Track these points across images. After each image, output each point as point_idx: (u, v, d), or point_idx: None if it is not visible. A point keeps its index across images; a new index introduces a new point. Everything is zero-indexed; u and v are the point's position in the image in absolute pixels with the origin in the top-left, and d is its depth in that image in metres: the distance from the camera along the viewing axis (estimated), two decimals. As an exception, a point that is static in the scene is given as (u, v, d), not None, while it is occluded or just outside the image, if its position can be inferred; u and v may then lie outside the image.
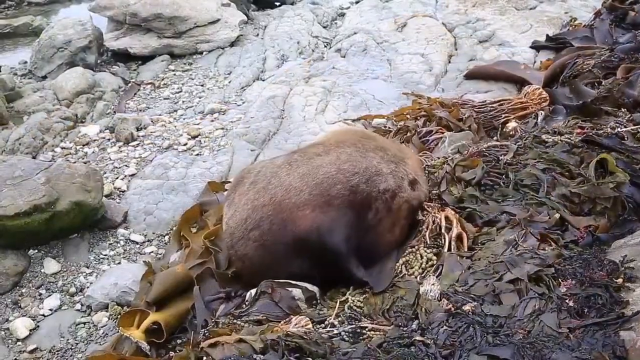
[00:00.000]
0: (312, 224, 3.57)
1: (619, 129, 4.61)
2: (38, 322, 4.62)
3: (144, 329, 3.78)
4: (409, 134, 5.68)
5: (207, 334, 3.39)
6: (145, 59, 9.35)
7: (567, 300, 2.88)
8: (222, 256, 4.37)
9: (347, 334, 3.18)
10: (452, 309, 3.05)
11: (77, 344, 4.43)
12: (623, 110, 5.09)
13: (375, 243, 3.75)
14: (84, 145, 6.95)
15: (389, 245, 3.83)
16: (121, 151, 6.76)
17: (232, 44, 9.50)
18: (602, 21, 7.80)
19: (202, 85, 8.34)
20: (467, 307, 3.02)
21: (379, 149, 3.92)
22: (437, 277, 3.47)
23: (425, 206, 4.14)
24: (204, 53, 9.36)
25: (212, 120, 7.26)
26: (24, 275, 5.00)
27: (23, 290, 4.89)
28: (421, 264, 3.65)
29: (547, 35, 8.24)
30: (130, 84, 8.51)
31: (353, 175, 3.67)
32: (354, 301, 3.49)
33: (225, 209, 4.11)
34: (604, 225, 3.77)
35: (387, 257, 3.79)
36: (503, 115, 5.85)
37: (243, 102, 7.68)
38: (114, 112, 7.77)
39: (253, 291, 3.70)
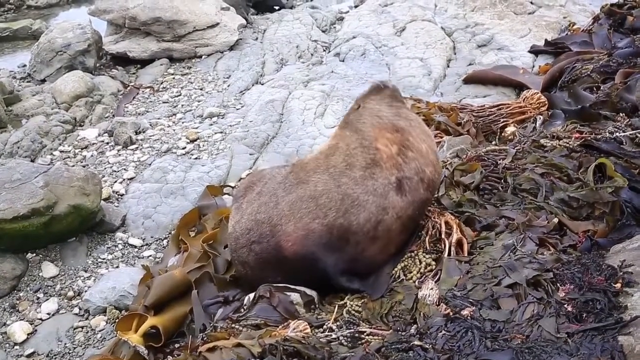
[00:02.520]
0: (297, 255, 3.61)
1: (617, 134, 4.62)
2: (36, 326, 4.61)
3: (142, 333, 3.78)
4: (407, 138, 5.67)
5: (205, 338, 3.39)
6: (144, 62, 9.35)
7: (565, 305, 2.88)
8: (220, 260, 4.38)
9: (345, 338, 3.17)
10: (451, 313, 3.05)
11: (74, 348, 4.42)
12: (621, 114, 5.10)
13: (368, 265, 3.69)
14: (82, 149, 6.95)
15: (383, 262, 3.71)
16: (120, 155, 6.76)
17: (231, 48, 9.50)
18: (600, 26, 7.83)
19: (201, 89, 8.34)
20: (465, 312, 3.02)
21: (347, 167, 3.61)
22: (435, 281, 3.46)
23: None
24: (203, 57, 9.36)
25: (211, 124, 7.27)
26: (21, 279, 4.99)
27: (21, 294, 4.89)
28: (419, 268, 3.65)
29: (546, 40, 8.26)
30: (129, 88, 8.51)
31: (329, 211, 3.55)
32: (352, 306, 3.49)
33: (233, 212, 4.14)
34: (602, 230, 3.78)
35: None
36: (502, 120, 5.86)
37: (242, 106, 7.68)
38: (113, 115, 7.77)
39: (251, 295, 3.70)
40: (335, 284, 3.66)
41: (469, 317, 2.97)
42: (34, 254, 5.19)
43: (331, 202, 3.56)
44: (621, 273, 2.98)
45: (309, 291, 3.66)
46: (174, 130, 7.23)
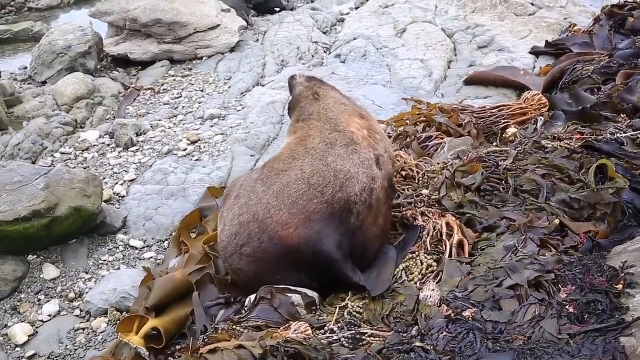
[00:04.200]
0: (300, 239, 3.55)
1: (618, 135, 4.62)
2: (37, 327, 4.61)
3: (143, 334, 3.77)
4: (408, 140, 5.68)
5: (206, 340, 3.38)
6: (144, 64, 9.35)
7: (567, 306, 2.88)
8: (221, 262, 4.37)
9: (346, 339, 3.17)
10: (452, 314, 3.04)
11: (75, 349, 4.41)
12: (622, 115, 5.10)
13: (364, 241, 3.73)
14: (83, 151, 6.95)
15: (377, 237, 3.83)
16: (120, 156, 6.76)
17: (231, 50, 9.51)
18: (601, 27, 7.83)
19: (201, 91, 8.35)
20: (466, 313, 3.02)
21: (328, 145, 3.75)
22: (436, 282, 3.46)
23: (426, 211, 4.14)
24: (204, 58, 9.37)
25: (212, 126, 7.27)
26: (22, 281, 4.99)
27: (22, 296, 4.89)
28: (421, 269, 3.65)
29: (546, 41, 8.26)
30: (129, 89, 8.51)
31: (325, 187, 3.59)
32: (353, 307, 3.49)
33: (218, 222, 4.14)
34: (603, 231, 3.77)
35: (385, 263, 3.78)
36: (502, 121, 5.85)
37: (242, 108, 7.69)
38: (114, 117, 7.77)
39: (252, 297, 3.69)
40: (338, 270, 3.60)
41: (470, 319, 2.97)
42: (35, 256, 5.19)
43: (325, 180, 3.62)
44: (622, 274, 2.98)
45: (310, 292, 3.65)
46: (174, 131, 7.23)
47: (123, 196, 6.04)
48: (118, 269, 5.14)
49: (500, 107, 6.08)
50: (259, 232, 3.65)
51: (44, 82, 8.69)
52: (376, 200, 3.74)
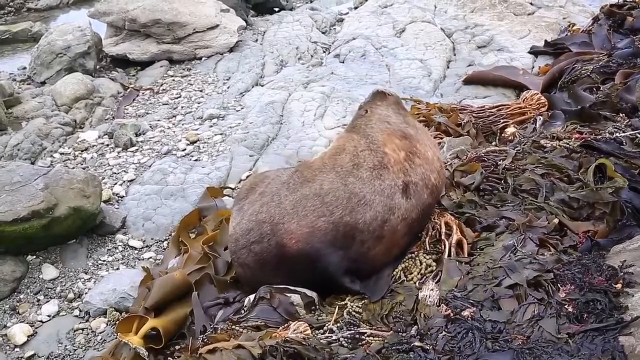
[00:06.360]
0: (299, 252, 3.59)
1: (617, 134, 4.62)
2: (36, 328, 4.61)
3: (143, 334, 3.78)
4: (407, 139, 5.67)
5: (205, 340, 3.38)
6: (144, 64, 9.35)
7: (566, 306, 2.88)
8: (220, 262, 4.38)
9: (345, 339, 3.18)
10: (451, 314, 3.05)
11: (75, 350, 4.41)
12: (621, 115, 5.11)
13: (369, 267, 3.69)
14: (82, 151, 6.95)
15: (385, 265, 3.73)
16: (120, 157, 6.76)
17: (231, 50, 9.51)
18: (600, 26, 7.83)
19: (201, 91, 8.35)
20: (466, 313, 3.02)
21: (355, 166, 3.67)
22: (436, 282, 3.46)
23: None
24: (203, 59, 9.37)
25: (211, 126, 7.27)
26: (22, 281, 4.99)
27: (21, 296, 4.88)
28: (420, 269, 3.65)
29: (546, 41, 8.26)
30: (129, 90, 8.51)
31: (336, 208, 3.57)
32: (352, 307, 3.49)
33: (234, 213, 4.13)
34: (602, 231, 3.77)
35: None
36: (502, 121, 5.86)
37: (242, 108, 7.68)
38: (113, 117, 7.77)
39: (252, 297, 3.70)
40: (337, 284, 3.64)
41: (469, 318, 2.97)
42: (34, 256, 5.18)
43: (338, 200, 3.59)
44: (622, 273, 2.98)
45: (309, 292, 3.65)
46: (174, 132, 7.23)
47: (122, 196, 6.04)
48: (117, 269, 5.14)
49: (500, 107, 6.09)
50: (270, 235, 3.68)
51: (43, 83, 8.69)
52: (390, 232, 3.61)
